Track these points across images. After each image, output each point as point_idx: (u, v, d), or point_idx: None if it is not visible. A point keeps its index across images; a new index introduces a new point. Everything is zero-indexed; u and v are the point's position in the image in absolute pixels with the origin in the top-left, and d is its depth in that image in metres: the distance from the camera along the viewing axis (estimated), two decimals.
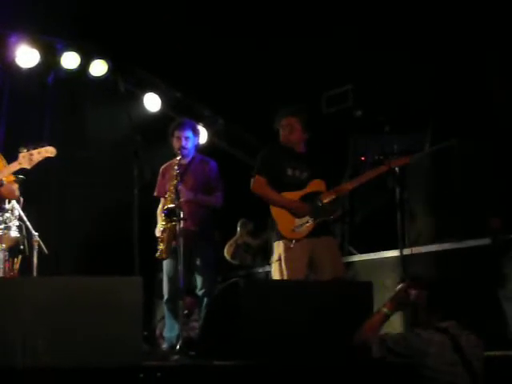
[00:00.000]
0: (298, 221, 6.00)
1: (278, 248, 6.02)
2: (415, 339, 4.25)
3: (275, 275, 6.03)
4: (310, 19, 7.86)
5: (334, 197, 6.06)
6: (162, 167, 6.88)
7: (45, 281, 4.49)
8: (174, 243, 6.33)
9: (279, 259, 5.99)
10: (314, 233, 6.01)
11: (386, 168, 6.12)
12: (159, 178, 6.83)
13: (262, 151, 6.32)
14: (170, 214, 6.14)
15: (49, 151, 5.69)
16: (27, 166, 5.61)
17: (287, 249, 5.95)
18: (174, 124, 6.86)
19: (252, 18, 7.98)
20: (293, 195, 6.07)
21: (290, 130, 6.18)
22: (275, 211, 6.06)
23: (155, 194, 6.84)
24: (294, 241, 5.95)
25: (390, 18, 7.49)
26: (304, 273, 5.96)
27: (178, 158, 6.52)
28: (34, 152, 5.60)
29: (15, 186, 5.96)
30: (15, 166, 5.64)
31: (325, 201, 6.05)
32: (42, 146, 5.68)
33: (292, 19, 7.92)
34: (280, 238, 6.02)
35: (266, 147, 6.35)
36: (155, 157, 6.92)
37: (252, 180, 6.16)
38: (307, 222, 5.99)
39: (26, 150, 5.59)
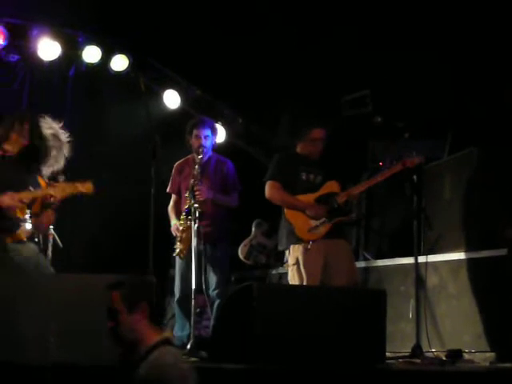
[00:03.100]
0: (313, 222, 5.99)
1: (295, 251, 6.00)
2: None
3: (293, 280, 5.98)
4: (332, 23, 7.85)
5: (346, 198, 6.05)
6: (177, 164, 6.84)
7: (59, 278, 4.50)
8: None
9: (296, 263, 5.97)
10: (329, 234, 6.01)
11: (400, 167, 6.06)
12: (173, 174, 6.80)
13: (274, 157, 6.32)
14: (191, 214, 6.13)
15: (85, 187, 5.20)
16: (58, 196, 5.14)
17: (305, 251, 5.94)
18: (192, 122, 6.79)
19: (276, 19, 7.97)
20: (307, 197, 6.07)
21: (319, 144, 6.15)
22: (290, 214, 6.06)
23: (168, 190, 6.80)
24: (310, 242, 5.94)
25: (411, 24, 7.46)
26: (319, 276, 5.93)
27: (200, 156, 6.47)
28: (70, 184, 5.16)
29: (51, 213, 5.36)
30: (47, 192, 5.16)
31: (340, 201, 6.04)
32: (83, 181, 5.18)
33: (314, 23, 7.90)
34: (297, 241, 6.00)
35: (280, 154, 6.33)
36: (173, 155, 6.91)
37: (266, 186, 6.15)
38: (323, 223, 5.98)
39: (63, 179, 5.20)
